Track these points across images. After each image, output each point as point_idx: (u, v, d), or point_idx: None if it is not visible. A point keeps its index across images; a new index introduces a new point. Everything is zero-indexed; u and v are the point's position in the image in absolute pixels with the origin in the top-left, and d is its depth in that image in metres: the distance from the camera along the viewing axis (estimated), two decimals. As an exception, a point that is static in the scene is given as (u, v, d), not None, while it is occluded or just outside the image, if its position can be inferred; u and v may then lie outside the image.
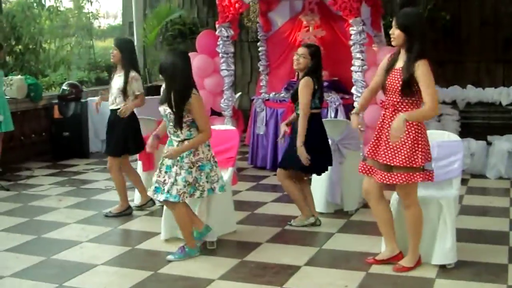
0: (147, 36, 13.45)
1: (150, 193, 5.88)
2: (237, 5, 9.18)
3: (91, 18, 17.54)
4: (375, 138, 5.29)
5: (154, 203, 7.54)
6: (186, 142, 5.65)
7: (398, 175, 5.11)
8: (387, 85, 5.19)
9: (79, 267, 5.72)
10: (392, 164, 5.13)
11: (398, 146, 5.08)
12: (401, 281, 5.20)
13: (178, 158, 5.65)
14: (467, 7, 11.85)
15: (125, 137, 7.21)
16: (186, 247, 5.88)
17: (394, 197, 5.58)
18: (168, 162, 5.71)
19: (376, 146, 5.27)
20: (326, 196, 7.25)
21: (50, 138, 11.59)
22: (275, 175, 9.25)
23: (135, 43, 13.11)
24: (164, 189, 5.69)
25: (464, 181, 8.08)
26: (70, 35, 16.59)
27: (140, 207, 7.58)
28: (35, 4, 14.18)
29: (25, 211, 7.76)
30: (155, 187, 5.79)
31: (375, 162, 5.28)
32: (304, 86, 6.45)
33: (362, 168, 5.42)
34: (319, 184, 7.21)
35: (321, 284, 5.19)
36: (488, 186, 8.85)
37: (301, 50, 6.67)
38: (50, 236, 6.70)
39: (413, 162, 5.07)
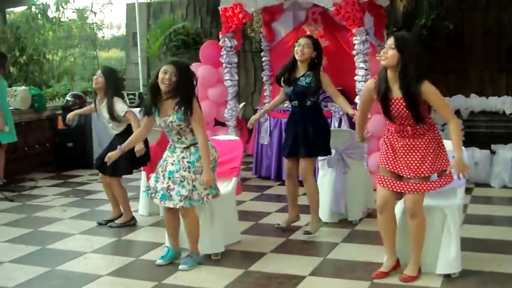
0: (150, 46, 13.48)
1: (156, 201, 5.86)
2: (240, 15, 9.20)
3: (95, 29, 17.62)
4: (393, 152, 5.29)
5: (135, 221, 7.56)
6: (192, 149, 5.75)
7: (426, 184, 5.15)
8: (394, 114, 5.19)
9: (84, 277, 5.72)
10: (418, 176, 5.15)
11: (416, 161, 5.16)
12: (406, 291, 5.20)
13: (188, 165, 5.70)
14: (470, 16, 11.85)
15: (127, 156, 7.17)
16: (193, 254, 5.90)
17: (398, 208, 5.56)
18: (171, 168, 5.73)
19: (394, 159, 5.27)
20: (330, 206, 7.23)
21: (54, 149, 11.63)
22: (279, 185, 9.36)
23: (139, 54, 13.16)
24: (171, 196, 5.68)
25: (468, 190, 8.09)
26: (74, 46, 16.68)
27: (111, 222, 7.53)
28: (39, 15, 14.24)
29: (29, 222, 7.76)
30: (162, 194, 5.74)
31: (393, 174, 5.27)
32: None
33: (384, 182, 5.32)
34: (323, 193, 7.19)
35: (326, 294, 5.18)
36: (493, 195, 8.84)
37: (304, 40, 6.69)
38: (54, 247, 6.70)
39: (441, 166, 5.16)
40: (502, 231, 6.90)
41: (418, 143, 5.19)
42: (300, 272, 5.66)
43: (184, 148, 5.77)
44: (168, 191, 5.71)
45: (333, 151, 7.09)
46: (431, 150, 5.18)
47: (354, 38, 8.43)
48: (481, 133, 10.41)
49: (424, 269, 5.42)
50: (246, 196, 8.78)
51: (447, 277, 5.41)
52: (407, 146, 5.21)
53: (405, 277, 5.31)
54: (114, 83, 7.35)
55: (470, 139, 10.06)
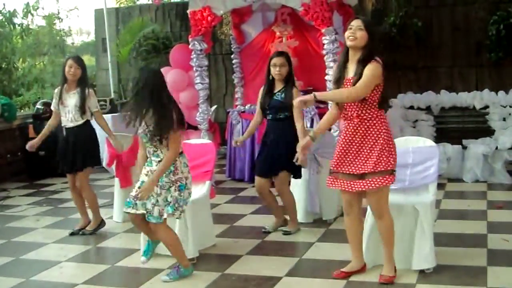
0: (120, 51, 13.41)
1: (125, 206, 5.70)
2: (209, 18, 9.19)
3: (63, 35, 17.50)
4: (341, 151, 5.22)
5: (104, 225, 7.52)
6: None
7: (374, 180, 5.09)
8: None
9: (59, 287, 5.68)
10: (367, 171, 5.10)
11: (368, 153, 5.10)
12: (382, 289, 5.22)
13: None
14: (439, 13, 11.95)
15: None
16: (181, 267, 5.70)
17: (369, 211, 5.57)
18: (143, 178, 5.57)
19: (342, 159, 5.21)
20: (305, 206, 7.25)
21: (25, 158, 11.50)
22: (253, 187, 9.29)
23: (109, 59, 13.10)
24: (136, 204, 5.48)
25: (441, 186, 8.16)
26: (43, 53, 16.55)
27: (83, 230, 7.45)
28: (6, 23, 14.12)
29: (2, 232, 7.69)
30: (126, 201, 5.56)
31: (344, 175, 5.23)
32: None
33: (331, 182, 5.33)
34: (297, 193, 7.20)
35: (302, 294, 5.19)
36: (465, 190, 8.93)
37: (279, 61, 6.81)
38: (28, 257, 6.63)
39: (388, 165, 5.09)
40: (475, 226, 6.96)
41: (364, 130, 5.10)
42: (277, 273, 5.67)
43: (159, 161, 5.51)
44: (135, 199, 5.51)
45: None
46: (383, 143, 5.09)
47: (323, 37, 8.46)
48: (452, 128, 10.48)
49: (399, 265, 5.44)
50: (221, 199, 8.77)
51: (422, 272, 5.45)
52: (354, 133, 5.13)
53: (386, 278, 5.29)
54: (86, 72, 7.32)
55: (442, 135, 10.14)
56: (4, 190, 10.30)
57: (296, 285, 5.45)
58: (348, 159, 5.19)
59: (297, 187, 7.20)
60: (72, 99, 7.15)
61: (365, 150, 5.12)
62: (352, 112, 5.13)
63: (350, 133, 5.17)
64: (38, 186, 10.64)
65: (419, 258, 5.47)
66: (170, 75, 10.20)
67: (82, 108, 7.11)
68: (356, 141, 5.14)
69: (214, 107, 12.30)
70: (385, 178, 5.09)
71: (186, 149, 6.54)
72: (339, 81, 5.19)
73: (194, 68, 9.53)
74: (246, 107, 10.38)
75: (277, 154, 6.81)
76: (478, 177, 9.26)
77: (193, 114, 9.83)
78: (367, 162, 5.10)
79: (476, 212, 7.59)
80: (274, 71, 6.80)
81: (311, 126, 9.12)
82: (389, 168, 5.09)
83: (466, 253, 5.98)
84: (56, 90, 7.34)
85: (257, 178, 6.97)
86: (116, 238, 7.13)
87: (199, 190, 6.52)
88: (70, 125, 7.21)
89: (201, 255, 6.22)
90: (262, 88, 7.00)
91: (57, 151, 7.39)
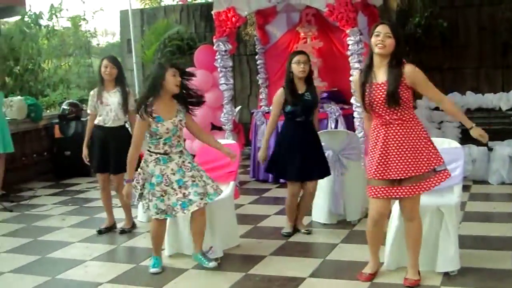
0: (145, 52, 13.48)
1: (180, 215, 5.79)
2: (234, 19, 9.20)
3: (88, 36, 17.61)
4: (381, 158, 5.09)
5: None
6: (184, 151, 5.89)
7: (423, 183, 5.09)
8: (374, 101, 5.09)
9: (84, 285, 5.74)
10: (413, 175, 5.05)
11: (410, 156, 5.05)
12: (406, 291, 5.20)
13: (190, 165, 5.79)
14: (465, 13, 11.86)
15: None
16: (204, 251, 6.04)
17: (395, 213, 5.55)
18: (174, 177, 5.71)
19: (385, 165, 5.10)
20: (329, 207, 7.24)
21: (51, 158, 11.63)
22: (277, 187, 9.35)
23: (134, 60, 13.16)
24: (191, 200, 5.69)
25: (466, 188, 8.11)
26: (68, 54, 16.66)
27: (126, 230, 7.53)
28: (32, 25, 14.23)
29: (28, 231, 7.77)
30: (182, 203, 5.70)
31: (385, 182, 5.12)
32: None
33: (379, 193, 5.15)
34: (321, 195, 7.20)
35: (326, 295, 5.19)
36: (491, 192, 8.86)
37: (303, 58, 6.71)
38: (54, 256, 6.70)
39: (436, 163, 5.10)
40: (501, 228, 6.90)
41: (405, 133, 5.06)
42: (300, 274, 5.67)
43: (180, 152, 5.80)
44: (186, 197, 5.70)
45: (330, 152, 7.11)
46: (422, 144, 5.08)
47: (348, 38, 8.44)
48: (478, 130, 10.40)
49: (423, 267, 5.41)
50: (245, 200, 8.78)
51: (446, 275, 5.41)
52: (398, 138, 5.08)
53: (411, 281, 5.24)
54: (123, 71, 7.41)
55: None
56: (31, 190, 10.40)
57: (320, 286, 5.44)
58: (390, 164, 5.08)
59: (321, 188, 7.18)
60: (114, 97, 7.21)
61: (407, 153, 5.05)
62: (392, 115, 5.07)
63: (391, 138, 5.08)
64: (63, 185, 10.73)
65: (443, 260, 5.44)
66: (194, 75, 10.24)
67: (125, 105, 7.19)
68: (397, 145, 5.07)
69: (238, 107, 12.32)
70: (436, 177, 5.11)
71: (210, 149, 6.61)
72: (364, 85, 5.14)
73: (219, 69, 9.55)
74: (271, 107, 10.36)
75: (314, 157, 6.79)
76: (504, 179, 9.18)
77: (218, 114, 9.86)
78: (411, 164, 5.06)
79: (502, 215, 7.53)
80: (298, 68, 6.65)
81: (335, 127, 9.11)
82: (437, 165, 5.11)
83: (491, 256, 5.93)
84: (92, 93, 7.38)
85: (293, 184, 6.84)
86: (141, 237, 7.16)
87: (224, 190, 6.53)
88: (111, 124, 7.26)
89: (225, 255, 6.24)
90: (281, 92, 6.77)
91: (93, 150, 7.36)
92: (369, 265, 5.49)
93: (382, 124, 5.12)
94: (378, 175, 5.11)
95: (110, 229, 7.50)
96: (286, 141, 6.80)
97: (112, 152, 7.25)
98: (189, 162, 5.84)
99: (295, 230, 7.00)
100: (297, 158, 6.71)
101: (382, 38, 5.01)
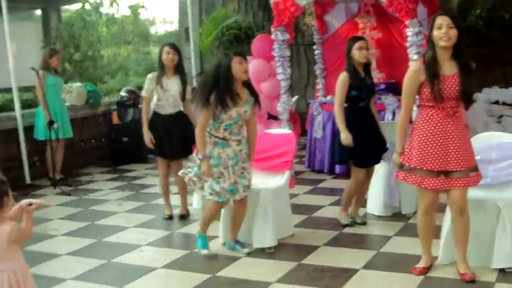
0: (203, 41, 13.54)
1: (229, 196, 5.95)
2: (292, 8, 9.16)
3: (147, 24, 17.79)
4: (442, 149, 5.06)
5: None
6: (243, 140, 5.98)
7: (471, 178, 5.10)
8: (446, 93, 5.02)
9: (139, 270, 5.82)
10: (467, 167, 5.07)
11: (466, 149, 5.06)
12: (460, 286, 5.13)
13: (244, 156, 5.96)
14: (527, 5, 11.64)
15: (190, 138, 7.29)
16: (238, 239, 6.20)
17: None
18: (230, 162, 5.86)
19: (445, 156, 5.07)
20: (384, 199, 7.19)
21: (109, 144, 11.80)
22: (332, 178, 9.33)
23: (192, 49, 13.25)
24: (238, 189, 5.91)
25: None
26: (127, 42, 16.88)
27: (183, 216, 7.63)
28: (92, 12, 14.46)
29: (86, 215, 7.92)
30: (231, 189, 5.89)
31: (433, 173, 5.11)
32: None
33: (439, 184, 5.13)
34: (377, 187, 7.17)
35: (378, 287, 5.15)
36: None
37: (365, 44, 6.73)
38: (110, 240, 6.83)
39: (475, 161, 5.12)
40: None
41: (463, 125, 5.12)
42: (353, 265, 5.66)
43: (238, 140, 5.88)
44: (235, 185, 5.88)
45: (387, 144, 7.05)
46: (468, 138, 5.14)
47: (407, 29, 8.32)
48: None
49: (478, 263, 5.36)
50: (300, 190, 8.78)
51: (502, 271, 5.33)
52: (457, 130, 5.06)
53: (470, 275, 5.18)
54: (183, 60, 7.50)
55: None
56: (88, 174, 10.59)
57: (373, 278, 5.42)
58: (450, 156, 5.05)
59: (377, 180, 7.14)
60: (174, 84, 7.29)
61: (463, 145, 5.06)
62: (453, 107, 5.05)
63: (454, 129, 5.06)
64: (120, 171, 10.89)
65: (499, 256, 5.34)
66: (251, 65, 10.24)
67: (183, 93, 7.28)
68: (457, 137, 5.05)
69: (295, 97, 12.28)
70: (477, 175, 5.11)
71: (266, 138, 6.64)
72: (434, 78, 5.03)
73: (276, 58, 9.52)
74: (328, 98, 10.35)
75: (380, 142, 6.81)
76: None
77: (274, 104, 9.86)
78: (467, 156, 5.07)
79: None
80: (361, 54, 6.62)
81: (393, 119, 9.02)
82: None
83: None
84: (150, 76, 7.41)
85: (361, 171, 6.79)
86: (195, 224, 7.18)
87: (279, 180, 6.56)
88: (171, 111, 7.35)
89: (279, 244, 6.26)
90: (345, 76, 6.66)
91: (157, 138, 7.36)
92: (423, 259, 5.45)
93: (446, 116, 5.07)
94: (433, 165, 5.07)
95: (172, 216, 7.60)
96: (353, 128, 6.64)
97: (171, 138, 7.34)
98: (245, 153, 5.94)
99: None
100: (365, 144, 6.67)
101: (445, 30, 4.95)
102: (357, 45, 6.64)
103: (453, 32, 4.97)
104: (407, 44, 8.35)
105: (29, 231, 3.80)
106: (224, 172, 5.83)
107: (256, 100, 5.97)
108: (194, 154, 6.12)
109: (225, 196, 5.88)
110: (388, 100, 9.27)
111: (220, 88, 5.72)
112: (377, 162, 6.89)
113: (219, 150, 5.84)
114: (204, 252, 6.05)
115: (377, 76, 9.89)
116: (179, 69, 7.35)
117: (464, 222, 5.20)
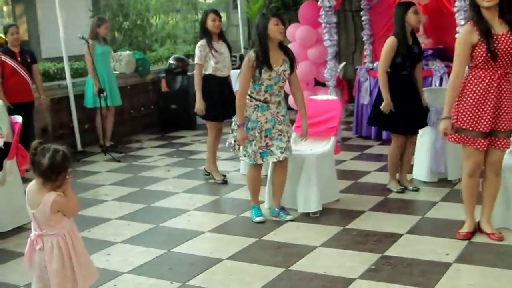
0: (250, 8, 13.55)
1: (259, 159, 6.04)
2: (339, -26, 9.14)
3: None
4: (495, 110, 5.07)
5: None
6: (282, 103, 6.11)
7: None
8: (501, 52, 4.99)
9: (186, 234, 5.96)
10: None
11: None
12: (504, 250, 5.15)
13: (281, 118, 6.02)
14: None
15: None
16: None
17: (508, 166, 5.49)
18: (266, 126, 5.96)
19: (496, 117, 5.09)
20: (429, 165, 7.19)
21: (158, 111, 11.95)
22: (379, 144, 9.33)
23: (239, 16, 13.28)
24: (272, 151, 5.99)
25: None
26: (175, 10, 16.95)
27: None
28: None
29: (135, 181, 8.08)
30: (262, 152, 5.99)
31: (481, 133, 5.11)
32: None
33: (487, 144, 5.17)
34: (422, 153, 7.16)
35: (422, 251, 5.20)
36: None
37: (417, 8, 6.77)
38: (159, 205, 6.97)
39: None
40: None
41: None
42: (398, 230, 5.71)
43: (278, 102, 5.99)
44: (268, 148, 5.96)
45: (433, 110, 7.01)
46: None
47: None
48: None
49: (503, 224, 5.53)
50: (346, 156, 8.81)
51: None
52: (509, 91, 5.07)
53: (499, 236, 5.29)
54: None
55: None
56: (138, 141, 10.77)
57: (417, 242, 5.45)
58: (503, 116, 5.09)
59: (423, 146, 7.14)
60: (224, 48, 7.57)
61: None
62: (506, 68, 5.06)
63: (504, 90, 5.08)
64: (169, 138, 11.03)
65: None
66: (298, 31, 10.27)
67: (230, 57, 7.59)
68: (507, 98, 5.09)
69: (342, 64, 12.26)
70: None
71: (311, 104, 6.69)
72: (487, 37, 5.00)
73: (323, 25, 9.51)
74: (375, 64, 10.28)
75: (420, 111, 6.81)
76: None
77: (321, 70, 9.87)
78: None
79: None
80: (416, 18, 6.65)
81: (440, 85, 8.96)
82: None
83: None
84: (202, 43, 7.49)
85: (399, 137, 6.84)
86: (243, 190, 7.28)
87: (324, 145, 6.60)
88: (227, 73, 7.63)
89: (324, 209, 6.33)
90: (393, 41, 6.59)
91: (211, 101, 7.50)
92: (466, 223, 5.47)
93: (500, 77, 5.07)
94: (484, 126, 5.08)
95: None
96: (394, 95, 6.65)
97: (224, 99, 7.54)
98: (282, 115, 6.02)
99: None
100: (405, 112, 6.67)
101: None
102: (412, 8, 6.63)
103: None
104: (455, 10, 8.27)
105: (74, 207, 3.88)
106: (258, 135, 5.94)
107: (292, 61, 6.03)
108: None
109: (255, 158, 5.99)
110: (435, 66, 9.19)
111: (257, 47, 5.84)
112: (416, 131, 6.88)
113: (258, 113, 5.95)
114: (257, 219, 6.17)
115: (424, 42, 9.79)
116: (222, 35, 7.63)
117: (498, 182, 5.29)
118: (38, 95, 8.96)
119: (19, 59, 8.57)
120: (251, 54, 5.85)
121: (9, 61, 8.41)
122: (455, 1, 8.26)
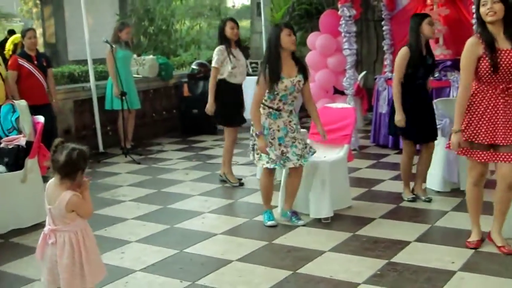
0: (274, 16, 13.68)
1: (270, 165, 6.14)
2: (359, -16, 9.25)
3: (221, -2, 18.02)
4: (490, 123, 5.16)
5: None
6: (293, 112, 6.23)
7: None
8: (503, 68, 5.08)
9: (199, 235, 6.10)
10: None
11: None
12: (510, 260, 5.21)
13: (294, 127, 6.13)
14: None
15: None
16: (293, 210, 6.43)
17: None
18: (279, 134, 6.06)
19: (493, 131, 5.16)
20: (442, 174, 7.26)
21: (179, 115, 12.11)
22: (396, 153, 9.40)
23: (263, 23, 13.41)
24: (288, 158, 6.08)
25: None
26: (200, 16, 17.12)
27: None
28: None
29: (154, 183, 8.23)
30: (277, 164, 6.09)
31: (485, 146, 5.21)
32: None
33: (487, 158, 5.25)
34: (436, 162, 7.23)
35: (429, 259, 5.27)
36: None
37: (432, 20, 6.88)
38: (175, 207, 7.12)
39: None
40: None
41: None
42: (406, 238, 5.79)
43: (290, 111, 6.13)
44: (284, 155, 6.07)
45: (447, 120, 7.10)
46: None
47: (473, 6, 8.31)
48: None
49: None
50: (362, 164, 8.91)
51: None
52: (508, 106, 5.13)
53: (510, 248, 5.32)
54: None
55: None
56: (159, 144, 10.94)
57: (424, 250, 5.53)
58: (497, 131, 5.15)
59: (436, 155, 7.20)
60: (241, 55, 7.81)
61: (511, 121, 5.16)
62: (507, 83, 5.14)
63: (501, 105, 5.14)
64: (189, 142, 11.19)
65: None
66: (319, 40, 10.40)
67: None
68: (504, 113, 5.14)
69: (363, 73, 12.35)
70: None
71: (326, 112, 6.82)
72: (492, 52, 5.08)
73: (343, 34, 9.62)
74: (394, 74, 10.35)
75: (432, 120, 6.92)
76: None
77: (340, 79, 9.97)
78: None
79: None
80: (431, 30, 6.77)
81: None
82: None
83: None
84: (221, 48, 7.71)
85: (410, 144, 6.95)
86: (257, 194, 7.31)
87: (337, 153, 6.72)
88: (240, 80, 7.83)
89: (335, 215, 6.43)
90: (406, 51, 6.70)
91: (226, 107, 7.76)
92: (474, 232, 5.55)
93: (499, 92, 5.15)
94: (484, 139, 5.18)
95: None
96: (407, 104, 6.71)
97: (239, 106, 7.88)
98: (294, 124, 6.13)
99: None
100: (417, 121, 6.75)
101: (490, 5, 5.04)
102: (427, 20, 6.74)
103: (499, 7, 5.03)
104: (473, 21, 8.33)
105: (88, 209, 4.02)
106: (272, 142, 6.06)
107: (305, 72, 6.15)
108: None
109: (280, 162, 6.09)
110: (454, 77, 9.26)
111: (271, 58, 5.99)
112: (426, 140, 6.94)
113: (271, 121, 6.07)
114: (269, 223, 6.30)
115: (443, 52, 9.88)
116: (239, 42, 7.88)
117: (510, 196, 5.30)
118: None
119: (35, 62, 8.76)
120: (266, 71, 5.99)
121: (26, 64, 8.62)
122: (473, 13, 8.33)
